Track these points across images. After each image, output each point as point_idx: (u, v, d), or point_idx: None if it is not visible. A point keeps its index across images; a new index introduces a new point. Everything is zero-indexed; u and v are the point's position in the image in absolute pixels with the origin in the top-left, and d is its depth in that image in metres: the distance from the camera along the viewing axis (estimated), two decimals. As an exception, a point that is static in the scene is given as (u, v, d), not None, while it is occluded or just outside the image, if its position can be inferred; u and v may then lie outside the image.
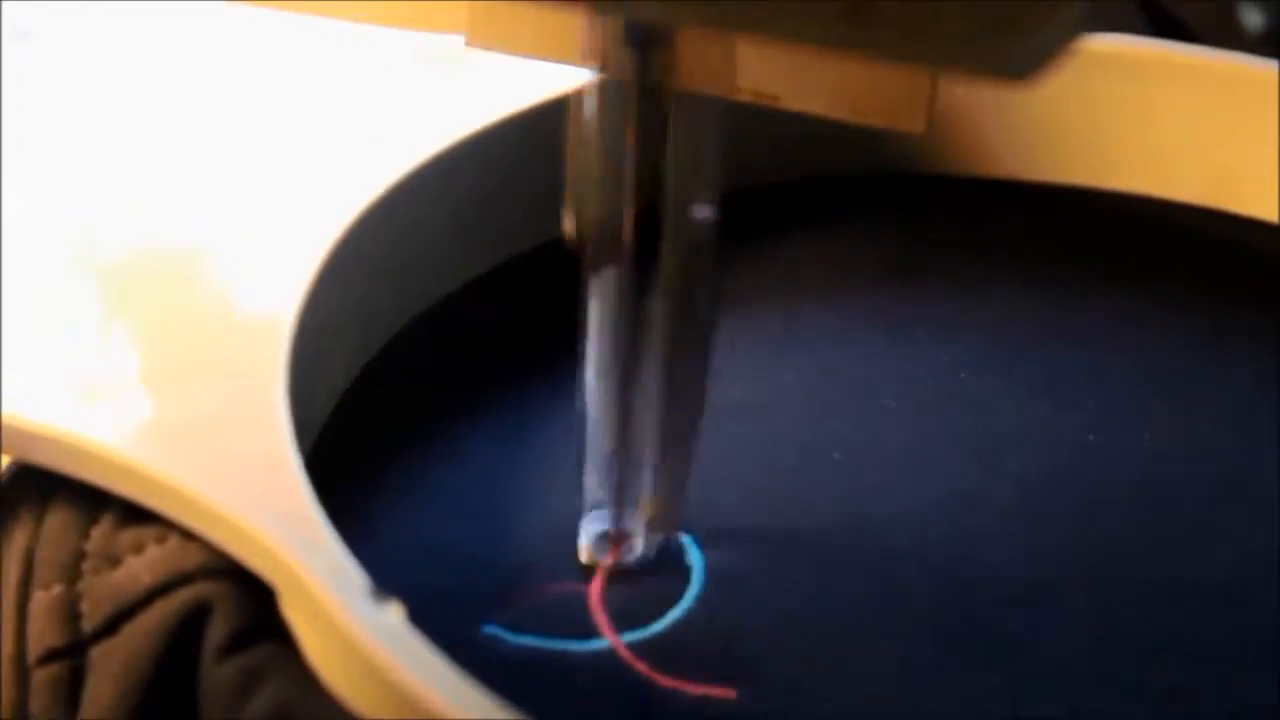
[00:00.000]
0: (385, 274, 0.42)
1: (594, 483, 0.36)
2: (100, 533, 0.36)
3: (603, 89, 0.33)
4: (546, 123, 0.43)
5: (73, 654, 0.35)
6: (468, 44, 0.35)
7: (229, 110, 0.44)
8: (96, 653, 0.35)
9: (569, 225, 0.34)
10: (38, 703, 0.35)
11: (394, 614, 0.32)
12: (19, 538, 0.37)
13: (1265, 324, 0.43)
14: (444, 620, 0.34)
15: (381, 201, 0.41)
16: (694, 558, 0.37)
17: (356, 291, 0.41)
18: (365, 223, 0.41)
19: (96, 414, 0.36)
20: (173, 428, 0.36)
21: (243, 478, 0.35)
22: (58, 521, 0.37)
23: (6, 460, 0.38)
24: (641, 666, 0.35)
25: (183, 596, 0.35)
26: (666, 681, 0.35)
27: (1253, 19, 0.50)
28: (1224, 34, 0.48)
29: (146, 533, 0.36)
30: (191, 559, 0.35)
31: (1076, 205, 0.46)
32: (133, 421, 0.36)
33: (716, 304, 0.35)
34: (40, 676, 0.35)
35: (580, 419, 0.36)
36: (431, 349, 0.42)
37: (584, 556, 0.37)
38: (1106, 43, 0.45)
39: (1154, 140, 0.46)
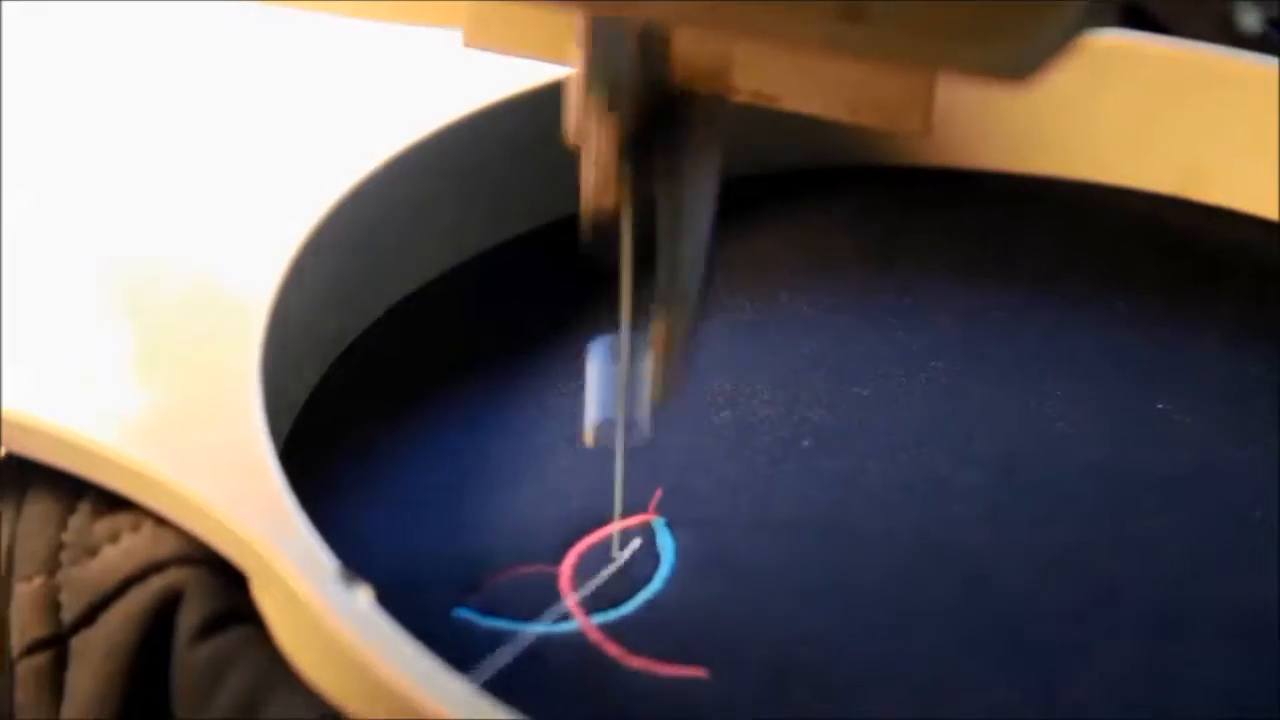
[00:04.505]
0: (360, 264, 0.42)
1: (599, 367, 0.36)
2: (77, 522, 0.37)
3: (599, 89, 0.33)
4: (517, 117, 0.44)
5: (54, 644, 0.36)
6: (466, 44, 0.35)
7: (203, 102, 0.45)
8: (77, 642, 0.36)
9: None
10: (24, 693, 0.36)
11: (363, 598, 0.32)
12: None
13: (1232, 313, 0.43)
14: (416, 604, 0.34)
15: (353, 194, 0.41)
16: (665, 540, 0.37)
17: (332, 281, 0.41)
18: (338, 214, 0.41)
19: (73, 404, 0.37)
20: (148, 417, 0.36)
21: (216, 466, 0.35)
22: (36, 513, 0.37)
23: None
24: (611, 648, 0.35)
25: (157, 584, 0.35)
26: (637, 663, 0.35)
27: (1249, 20, 0.51)
28: (1197, 26, 0.48)
29: (122, 520, 0.36)
30: (165, 546, 0.35)
31: (1047, 195, 0.46)
32: (109, 411, 0.36)
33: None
34: (25, 668, 0.36)
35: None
36: (405, 339, 0.42)
37: (589, 442, 0.36)
38: (1076, 33, 0.45)
39: (1123, 130, 0.46)
